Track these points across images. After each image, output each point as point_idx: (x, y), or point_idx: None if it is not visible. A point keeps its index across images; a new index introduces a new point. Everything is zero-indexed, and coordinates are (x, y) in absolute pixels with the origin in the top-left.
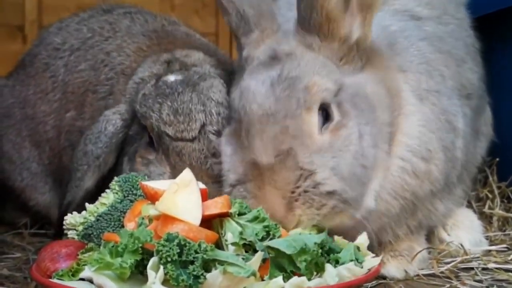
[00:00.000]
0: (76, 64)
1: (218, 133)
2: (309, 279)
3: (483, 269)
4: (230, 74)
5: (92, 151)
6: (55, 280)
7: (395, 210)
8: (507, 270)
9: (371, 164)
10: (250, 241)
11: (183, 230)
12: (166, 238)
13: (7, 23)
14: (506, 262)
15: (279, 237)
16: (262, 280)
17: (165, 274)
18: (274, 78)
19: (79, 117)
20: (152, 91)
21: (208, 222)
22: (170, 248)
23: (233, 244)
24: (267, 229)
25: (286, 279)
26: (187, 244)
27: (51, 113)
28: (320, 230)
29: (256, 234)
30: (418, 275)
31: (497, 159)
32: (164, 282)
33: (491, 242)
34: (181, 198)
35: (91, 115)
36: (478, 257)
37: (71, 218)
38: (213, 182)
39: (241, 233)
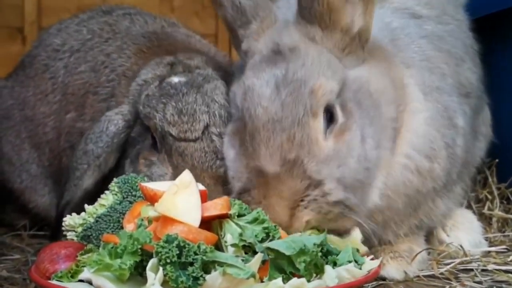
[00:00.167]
0: (76, 65)
1: (221, 135)
2: (308, 281)
3: (483, 270)
4: (230, 76)
5: (92, 151)
6: (54, 282)
7: (398, 206)
8: (506, 271)
9: (374, 165)
10: (249, 243)
11: (183, 232)
12: (165, 239)
13: (7, 25)
14: (506, 263)
15: (278, 238)
16: (262, 281)
17: (165, 275)
18: (278, 79)
19: (79, 119)
20: (156, 92)
21: (207, 223)
22: (170, 250)
23: (232, 245)
24: (266, 230)
25: (285, 280)
26: (187, 246)
27: (50, 115)
28: (319, 232)
29: (256, 235)
30: (417, 276)
31: (497, 160)
32: (163, 283)
33: (491, 243)
34: (180, 200)
35: (91, 116)
36: (477, 258)
37: (70, 220)
38: (215, 183)
39: (240, 234)
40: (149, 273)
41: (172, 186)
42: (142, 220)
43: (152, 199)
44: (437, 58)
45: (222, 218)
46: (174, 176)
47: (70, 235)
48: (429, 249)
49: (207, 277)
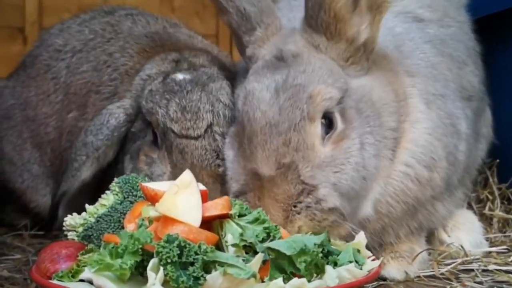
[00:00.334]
0: (78, 65)
1: (224, 135)
2: (309, 281)
3: (483, 270)
4: (233, 77)
5: (92, 143)
6: (55, 281)
7: (397, 213)
8: (507, 272)
9: (372, 175)
10: (250, 243)
11: (183, 232)
12: (166, 239)
13: (8, 25)
14: (507, 264)
15: (279, 238)
16: (262, 281)
17: (165, 275)
18: (279, 84)
19: (81, 118)
20: (159, 88)
21: (208, 223)
22: (170, 250)
23: (233, 245)
24: (267, 230)
25: (286, 280)
26: (187, 246)
27: (52, 115)
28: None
29: (257, 235)
30: (418, 276)
31: (497, 160)
32: (164, 283)
33: (491, 243)
34: (181, 200)
35: (93, 115)
36: (478, 259)
37: (71, 219)
38: (214, 181)
39: (241, 234)
40: (150, 273)
41: (172, 186)
42: (143, 220)
43: (153, 199)
44: (440, 64)
45: (222, 218)
46: (172, 175)
47: (71, 235)
48: (430, 250)
49: (208, 277)
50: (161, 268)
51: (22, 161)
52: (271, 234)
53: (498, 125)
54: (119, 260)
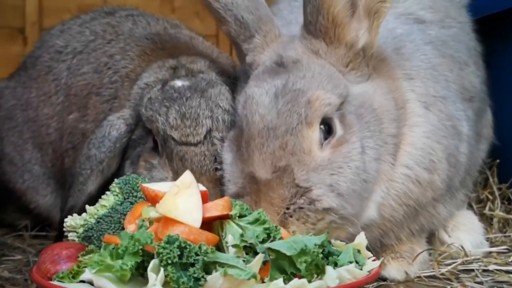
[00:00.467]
0: (79, 67)
1: (223, 140)
2: (309, 281)
3: (484, 270)
4: (233, 81)
5: (95, 156)
6: (55, 282)
7: (399, 216)
8: (507, 272)
9: (373, 178)
10: (250, 243)
11: (184, 232)
12: (166, 240)
13: (8, 25)
14: (507, 264)
15: (279, 239)
16: (263, 282)
17: (166, 276)
18: (278, 89)
19: (81, 119)
20: (158, 95)
21: (208, 224)
22: (171, 250)
23: (233, 246)
24: (267, 231)
25: (286, 281)
26: (188, 246)
27: (53, 116)
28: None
29: (257, 236)
30: (418, 276)
31: (498, 160)
32: (164, 284)
33: (492, 243)
34: (181, 200)
35: (94, 117)
36: (478, 259)
37: (71, 220)
38: (214, 186)
39: (241, 235)
40: (150, 274)
41: (173, 187)
42: (143, 221)
43: (153, 200)
44: (441, 65)
45: (223, 218)
46: (174, 181)
47: (71, 235)
48: (430, 250)
49: (208, 277)
50: (162, 269)
51: (23, 161)
52: (272, 234)
53: (498, 125)
54: (119, 261)
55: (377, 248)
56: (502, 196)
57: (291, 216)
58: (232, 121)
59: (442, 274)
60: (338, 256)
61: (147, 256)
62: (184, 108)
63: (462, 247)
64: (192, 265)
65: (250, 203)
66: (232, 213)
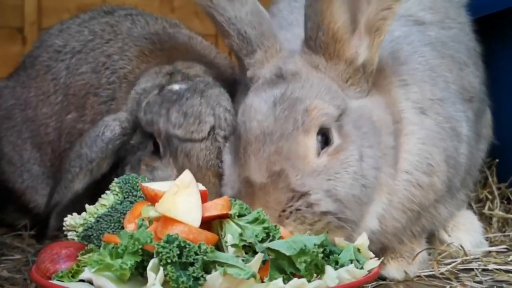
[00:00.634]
0: (77, 66)
1: (226, 138)
2: (309, 281)
3: (483, 270)
4: (231, 85)
5: (86, 154)
6: (55, 282)
7: (402, 224)
8: (507, 271)
9: (372, 184)
10: (250, 243)
11: (183, 232)
12: (166, 239)
13: (7, 25)
14: (506, 263)
15: (279, 238)
16: (262, 282)
17: (165, 275)
18: (276, 97)
19: (80, 119)
20: (157, 99)
21: (208, 223)
22: (170, 250)
23: (233, 245)
24: (267, 230)
25: (286, 280)
26: (187, 246)
27: (52, 115)
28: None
29: (256, 235)
30: (418, 276)
31: (497, 160)
32: (164, 283)
33: (491, 243)
34: (181, 200)
35: (92, 118)
36: (478, 258)
37: (71, 219)
38: (220, 181)
39: (241, 234)
40: (150, 273)
41: (172, 187)
42: (143, 220)
43: (152, 199)
44: (440, 66)
45: (222, 218)
46: None
47: (70, 235)
48: (429, 249)
49: (208, 277)
50: (161, 268)
51: (22, 161)
52: (271, 234)
53: (497, 124)
54: (119, 260)
55: (377, 248)
56: (502, 196)
57: (287, 218)
58: (234, 121)
59: (442, 273)
60: (339, 254)
61: (146, 256)
62: (185, 107)
63: (461, 246)
64: (192, 264)
65: None
66: (231, 212)
